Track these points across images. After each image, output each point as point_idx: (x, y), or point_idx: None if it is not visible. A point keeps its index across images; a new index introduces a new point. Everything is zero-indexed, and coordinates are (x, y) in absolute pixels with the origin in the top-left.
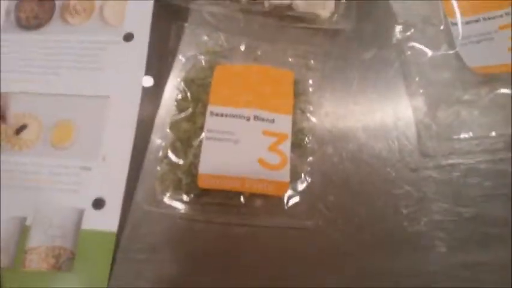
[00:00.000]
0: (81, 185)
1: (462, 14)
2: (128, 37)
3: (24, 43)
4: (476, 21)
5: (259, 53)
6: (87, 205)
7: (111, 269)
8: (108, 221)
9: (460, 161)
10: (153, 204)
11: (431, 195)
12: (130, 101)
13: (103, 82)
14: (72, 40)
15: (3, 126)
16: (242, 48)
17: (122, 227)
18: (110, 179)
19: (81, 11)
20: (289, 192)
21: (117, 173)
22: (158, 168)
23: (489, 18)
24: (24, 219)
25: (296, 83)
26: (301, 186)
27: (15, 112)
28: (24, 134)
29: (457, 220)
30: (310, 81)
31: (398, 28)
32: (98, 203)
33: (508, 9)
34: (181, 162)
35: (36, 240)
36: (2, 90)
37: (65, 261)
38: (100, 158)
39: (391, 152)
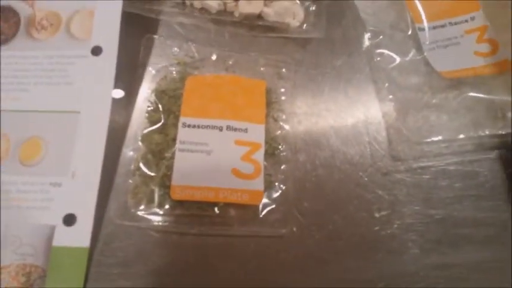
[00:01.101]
0: (51, 201)
1: (429, 19)
2: (96, 51)
3: None
4: (443, 26)
5: (230, 62)
6: (58, 221)
7: (85, 285)
8: (80, 236)
9: (430, 163)
10: (126, 217)
11: (402, 198)
12: (100, 116)
13: (72, 97)
14: (40, 55)
15: None
16: (213, 58)
17: (95, 242)
18: (81, 194)
19: (48, 25)
20: (264, 200)
21: (87, 188)
22: (130, 181)
23: (455, 23)
24: None
25: (268, 92)
26: (275, 194)
27: None
28: None
29: (429, 222)
30: (282, 90)
31: (367, 35)
32: (69, 219)
33: (474, 14)
34: (153, 174)
35: (6, 258)
36: None
37: (36, 279)
38: (70, 174)
39: (363, 157)
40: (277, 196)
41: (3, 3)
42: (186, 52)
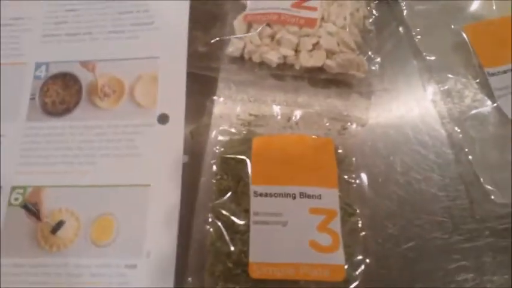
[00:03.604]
0: (127, 285)
1: (498, 62)
2: (163, 119)
3: (53, 131)
4: None
5: (294, 119)
6: None
7: None
8: None
9: None
10: None
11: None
12: (172, 188)
13: (141, 169)
14: (104, 125)
15: (38, 225)
16: (276, 115)
17: None
18: (157, 276)
19: (111, 93)
20: (346, 275)
21: (164, 269)
22: (205, 258)
23: None
24: None
25: (336, 149)
26: (357, 268)
27: (50, 208)
28: (61, 232)
29: None
30: (351, 146)
31: (433, 84)
32: None
33: None
34: (229, 250)
35: None
36: (33, 184)
37: None
38: (145, 254)
39: (444, 222)
40: (360, 270)
41: (63, 70)
42: (248, 110)
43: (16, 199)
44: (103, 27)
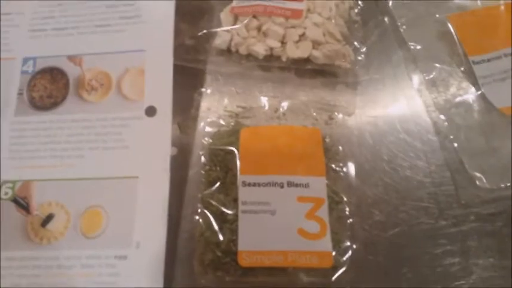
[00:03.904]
0: (118, 276)
1: (482, 51)
2: (151, 111)
3: (41, 125)
4: (498, 57)
5: (281, 110)
6: None
7: None
8: None
9: (501, 209)
10: (194, 287)
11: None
12: (160, 179)
13: (129, 162)
14: (92, 118)
15: (28, 218)
16: (264, 106)
17: None
18: (147, 266)
19: (98, 86)
20: (334, 261)
21: (154, 259)
22: (194, 247)
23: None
24: None
25: (324, 139)
26: (344, 254)
27: (39, 202)
28: (51, 225)
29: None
30: (338, 136)
31: (418, 73)
32: None
33: None
34: (218, 239)
35: None
36: (22, 178)
37: None
38: (134, 245)
39: (430, 207)
40: (348, 256)
41: (50, 64)
42: (236, 102)
43: (6, 193)
44: (90, 21)
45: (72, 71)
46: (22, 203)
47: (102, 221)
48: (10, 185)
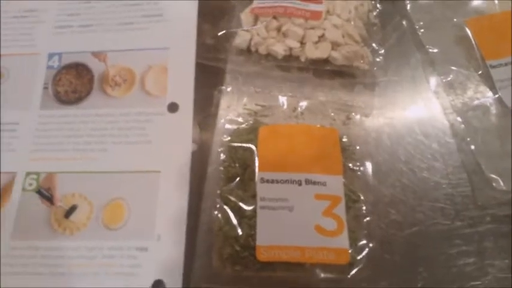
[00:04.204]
0: (139, 267)
1: (499, 55)
2: (173, 107)
3: (66, 119)
4: None
5: (299, 109)
6: None
7: None
8: None
9: None
10: (212, 280)
11: (491, 251)
12: (181, 174)
13: (152, 156)
14: (115, 113)
15: (51, 209)
16: (282, 105)
17: None
18: (168, 258)
19: (121, 82)
20: (350, 259)
21: (174, 252)
22: (213, 241)
23: None
24: None
25: (341, 139)
26: (361, 251)
27: (63, 193)
28: (74, 217)
29: None
30: (355, 136)
31: (435, 76)
32: (158, 286)
33: None
34: (236, 234)
35: None
36: (46, 170)
37: None
38: (155, 237)
39: (447, 208)
40: (364, 254)
41: (76, 60)
42: (255, 101)
43: (30, 184)
44: (114, 19)
45: (96, 66)
46: (46, 194)
47: (124, 213)
48: (34, 176)
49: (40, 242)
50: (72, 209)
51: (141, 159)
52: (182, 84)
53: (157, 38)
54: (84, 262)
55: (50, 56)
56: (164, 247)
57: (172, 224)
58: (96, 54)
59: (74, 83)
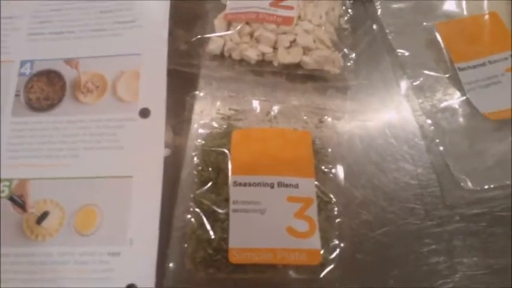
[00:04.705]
0: (111, 272)
1: (468, 58)
2: (145, 113)
3: (38, 125)
4: (483, 64)
5: (273, 113)
6: None
7: None
8: None
9: (485, 210)
10: (185, 283)
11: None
12: (153, 179)
13: (124, 161)
14: (87, 119)
15: (23, 216)
16: (256, 109)
17: None
18: (140, 262)
19: (93, 88)
20: (322, 259)
21: (146, 256)
22: (186, 245)
23: (495, 61)
24: None
25: (313, 142)
26: (333, 253)
27: (35, 199)
28: (46, 223)
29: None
30: (327, 139)
31: (405, 79)
32: None
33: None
34: (209, 237)
35: None
36: (19, 177)
37: None
38: (128, 242)
39: (417, 208)
40: (336, 254)
41: (48, 67)
42: (228, 105)
43: (3, 191)
44: (86, 25)
45: (68, 73)
46: (18, 201)
47: (96, 218)
48: (7, 183)
49: (12, 248)
50: (44, 215)
51: (113, 164)
52: (154, 90)
53: (129, 43)
54: (56, 268)
55: (22, 63)
56: (137, 251)
57: (144, 229)
58: (68, 61)
59: (45, 90)
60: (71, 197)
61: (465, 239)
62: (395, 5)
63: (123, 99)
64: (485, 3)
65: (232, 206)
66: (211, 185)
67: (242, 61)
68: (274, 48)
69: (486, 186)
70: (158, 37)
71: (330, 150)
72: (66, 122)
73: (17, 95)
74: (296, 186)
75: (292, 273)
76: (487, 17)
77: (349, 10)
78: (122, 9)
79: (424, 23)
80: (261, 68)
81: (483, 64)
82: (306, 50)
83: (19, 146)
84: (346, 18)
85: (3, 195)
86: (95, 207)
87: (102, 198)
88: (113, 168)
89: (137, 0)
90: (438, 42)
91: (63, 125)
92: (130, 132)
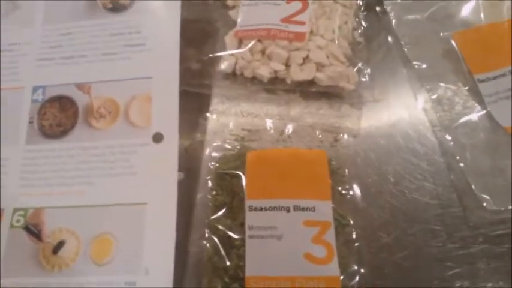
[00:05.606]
0: None
1: (487, 69)
2: (158, 138)
3: (51, 153)
4: (503, 75)
5: (287, 132)
6: None
7: None
8: None
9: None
10: None
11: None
12: (168, 205)
13: (138, 188)
14: (100, 146)
15: (39, 245)
16: (269, 129)
17: None
18: None
19: (106, 114)
20: (342, 286)
21: (162, 285)
22: (202, 273)
23: None
24: None
25: (329, 161)
26: (352, 278)
27: (50, 228)
28: (63, 252)
29: None
30: (344, 158)
31: (423, 92)
32: None
33: None
34: (225, 265)
35: None
36: (34, 206)
37: None
38: (143, 271)
39: (438, 230)
40: (355, 281)
41: (60, 93)
42: (241, 125)
43: (18, 221)
44: (96, 49)
45: (80, 99)
46: (34, 231)
47: (111, 247)
48: (22, 212)
49: (28, 279)
50: (61, 244)
51: (127, 191)
52: (167, 114)
53: (140, 67)
54: None
55: (35, 89)
56: (152, 281)
57: (160, 257)
58: (79, 86)
59: (58, 116)
60: (86, 226)
61: (489, 262)
62: (410, 16)
63: (135, 124)
64: (505, 9)
65: (248, 232)
66: (226, 209)
67: (254, 79)
68: (287, 65)
69: (510, 206)
70: (169, 59)
71: (346, 170)
72: (79, 148)
73: (30, 122)
74: (313, 209)
75: None
76: (506, 24)
77: (363, 22)
78: (131, 32)
79: (441, 33)
80: (274, 86)
81: (504, 75)
82: (320, 66)
83: (33, 174)
84: (359, 31)
85: (18, 224)
86: (110, 236)
87: (117, 226)
88: (127, 195)
89: (147, 22)
90: (456, 52)
91: (77, 152)
92: (144, 158)
